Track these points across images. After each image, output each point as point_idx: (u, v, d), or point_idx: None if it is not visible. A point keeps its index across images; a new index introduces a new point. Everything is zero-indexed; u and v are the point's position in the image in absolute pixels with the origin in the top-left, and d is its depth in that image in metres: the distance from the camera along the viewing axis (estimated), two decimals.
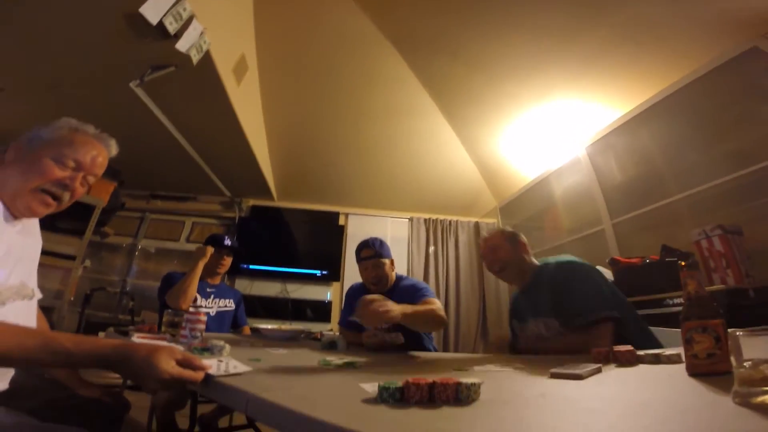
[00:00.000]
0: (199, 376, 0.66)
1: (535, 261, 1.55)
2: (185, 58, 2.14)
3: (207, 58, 2.25)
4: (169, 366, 0.63)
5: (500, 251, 1.53)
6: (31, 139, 0.88)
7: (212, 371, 0.69)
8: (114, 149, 1.01)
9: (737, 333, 0.55)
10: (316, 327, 1.44)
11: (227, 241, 2.18)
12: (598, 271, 1.48)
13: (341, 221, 4.28)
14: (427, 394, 0.53)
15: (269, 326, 1.90)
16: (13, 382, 0.90)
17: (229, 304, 2.18)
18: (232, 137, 3.12)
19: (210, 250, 2.04)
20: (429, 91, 3.38)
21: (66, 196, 0.90)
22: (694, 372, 0.72)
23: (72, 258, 3.05)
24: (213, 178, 3.79)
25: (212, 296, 2.12)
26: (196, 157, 3.39)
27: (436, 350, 1.87)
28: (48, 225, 2.96)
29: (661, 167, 2.48)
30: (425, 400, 0.53)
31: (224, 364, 0.74)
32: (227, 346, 0.95)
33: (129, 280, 3.92)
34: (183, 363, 0.65)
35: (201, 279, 1.99)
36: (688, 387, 0.66)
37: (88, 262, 3.48)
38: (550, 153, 3.32)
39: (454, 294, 4.11)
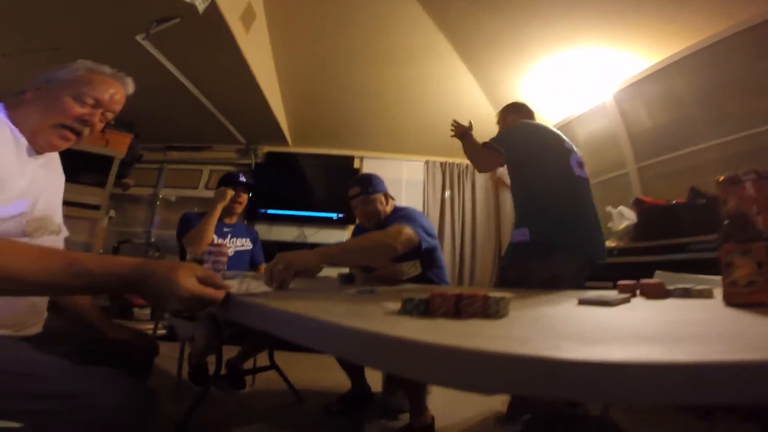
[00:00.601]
0: (221, 294, 0.64)
1: None
2: (190, 8, 2.09)
3: (213, 7, 2.19)
4: (189, 283, 0.61)
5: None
6: (49, 80, 0.90)
7: (233, 291, 0.68)
8: (131, 87, 1.03)
9: None
10: (333, 271, 1.45)
11: (242, 178, 2.18)
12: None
13: (356, 165, 4.25)
14: (454, 307, 0.51)
15: None
16: (45, 326, 0.94)
17: (246, 244, 2.20)
18: (244, 85, 3.07)
19: (230, 193, 2.04)
20: (445, 33, 3.19)
21: (86, 131, 0.93)
22: (732, 301, 0.67)
23: (96, 207, 3.12)
24: (227, 126, 3.77)
25: (229, 236, 2.12)
26: (209, 106, 3.37)
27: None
28: (70, 178, 3.09)
29: (695, 114, 2.35)
30: (451, 313, 0.51)
31: (245, 285, 0.74)
32: (249, 275, 0.95)
33: (153, 231, 4.04)
34: (204, 281, 0.63)
35: (218, 219, 2.01)
36: (728, 313, 0.61)
37: (112, 212, 3.58)
38: (574, 98, 3.17)
39: (469, 240, 4.11)
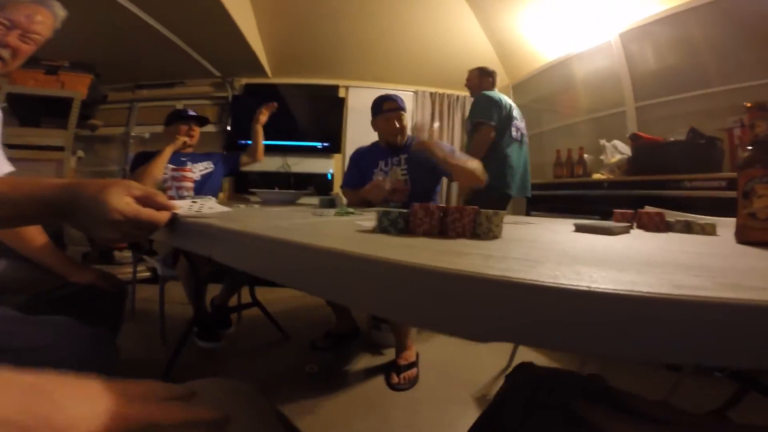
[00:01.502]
0: (163, 217, 0.52)
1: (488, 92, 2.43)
2: None
3: None
4: (122, 203, 0.48)
5: (470, 81, 2.58)
6: None
7: (181, 212, 0.55)
8: (59, 9, 0.97)
9: None
10: (316, 199, 1.37)
11: (191, 112, 2.11)
12: None
13: (341, 94, 4.04)
14: (438, 223, 0.42)
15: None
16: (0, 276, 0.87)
17: (208, 167, 2.12)
18: (214, 15, 2.78)
19: (182, 139, 1.99)
20: None
21: (5, 53, 0.89)
22: (745, 237, 0.58)
23: (60, 149, 2.99)
24: (199, 59, 3.47)
25: (188, 163, 2.03)
26: (177, 41, 3.09)
27: None
28: (32, 122, 2.91)
29: (707, 61, 2.23)
30: (435, 231, 0.42)
31: (198, 205, 0.62)
32: (212, 199, 0.85)
33: (128, 167, 3.86)
34: (144, 201, 0.51)
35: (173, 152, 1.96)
36: (742, 249, 0.51)
37: (81, 153, 3.43)
38: (575, 36, 2.98)
39: None
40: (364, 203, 1.70)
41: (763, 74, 1.95)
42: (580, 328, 0.21)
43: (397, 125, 1.83)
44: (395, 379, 1.58)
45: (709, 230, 0.79)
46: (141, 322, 2.21)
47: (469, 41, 3.56)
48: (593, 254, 0.37)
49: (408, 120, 1.92)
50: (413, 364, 1.66)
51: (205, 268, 1.69)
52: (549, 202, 2.69)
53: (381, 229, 0.43)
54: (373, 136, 2.01)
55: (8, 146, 2.82)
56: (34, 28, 0.92)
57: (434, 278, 0.24)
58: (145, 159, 1.92)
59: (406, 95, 3.92)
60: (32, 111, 2.95)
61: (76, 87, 3.12)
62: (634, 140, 2.23)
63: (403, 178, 1.80)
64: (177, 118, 2.09)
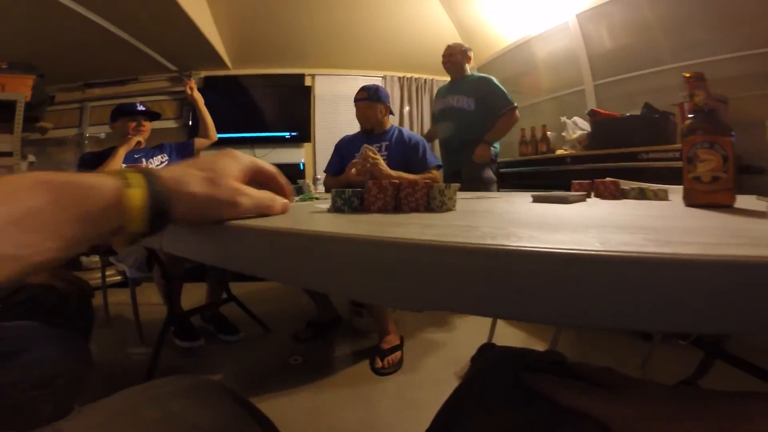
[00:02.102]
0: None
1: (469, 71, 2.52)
2: None
3: None
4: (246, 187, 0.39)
5: (453, 57, 2.48)
6: None
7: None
8: None
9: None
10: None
11: (140, 107, 1.99)
12: None
13: (308, 82, 3.95)
14: (392, 200, 0.43)
15: None
16: None
17: (163, 159, 2.04)
18: (164, 7, 2.64)
19: (136, 139, 1.90)
20: None
21: None
22: (692, 201, 0.62)
23: (9, 154, 2.82)
24: (153, 55, 3.30)
25: (142, 160, 1.96)
26: (125, 36, 2.94)
27: None
28: None
29: (659, 40, 2.34)
30: (390, 208, 0.43)
31: None
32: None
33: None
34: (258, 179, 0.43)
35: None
36: (691, 212, 0.52)
37: (32, 157, 3.24)
38: (535, 17, 3.03)
39: None
40: (347, 187, 1.70)
41: (711, 51, 2.06)
42: (504, 289, 0.21)
43: (365, 115, 1.98)
44: (379, 363, 1.60)
45: (662, 196, 0.83)
46: (117, 327, 2.15)
47: (433, 24, 3.56)
48: (537, 220, 0.38)
49: (381, 108, 2.00)
50: (397, 347, 1.68)
51: (179, 267, 1.65)
52: (516, 178, 2.77)
53: (335, 208, 0.43)
54: (342, 124, 2.15)
55: None
56: None
57: (364, 247, 0.24)
58: (93, 161, 1.82)
59: (374, 80, 3.90)
60: None
61: (18, 88, 2.92)
62: (593, 116, 2.31)
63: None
64: (122, 113, 1.96)
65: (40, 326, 0.69)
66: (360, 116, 2.01)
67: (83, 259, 3.05)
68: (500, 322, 1.79)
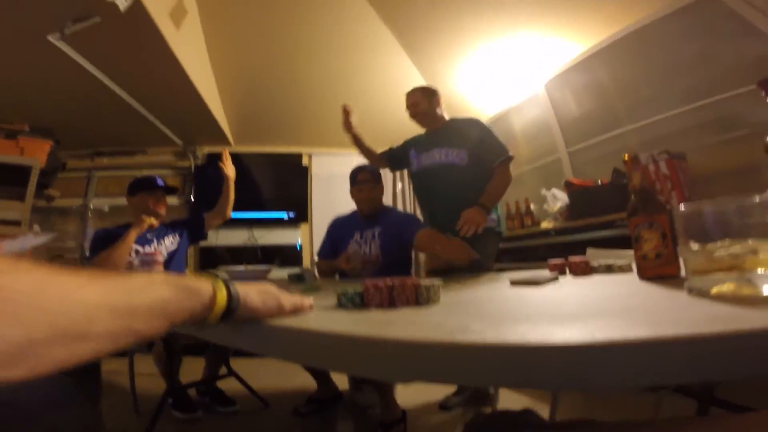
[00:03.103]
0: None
1: (446, 115, 2.03)
2: (111, 6, 1.95)
3: (138, 4, 2.05)
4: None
5: (419, 106, 1.99)
6: None
7: None
8: None
9: (681, 206, 0.50)
10: (286, 272, 1.43)
11: (159, 181, 1.97)
12: None
13: (305, 162, 4.16)
14: (387, 297, 0.53)
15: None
16: None
17: (174, 240, 2.02)
18: (178, 84, 2.90)
19: (149, 221, 1.86)
20: (389, 25, 3.21)
21: None
22: (644, 275, 0.72)
23: (17, 223, 2.82)
24: (161, 128, 3.54)
25: (154, 241, 1.93)
26: (139, 108, 3.15)
27: None
28: None
29: (616, 101, 2.57)
30: (386, 304, 0.52)
31: None
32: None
33: (86, 245, 3.72)
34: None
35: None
36: (642, 287, 0.65)
37: (37, 227, 3.27)
38: (511, 89, 3.32)
39: None
40: (338, 272, 1.77)
41: (662, 107, 2.25)
42: (452, 367, 0.31)
43: (369, 196, 1.92)
44: None
45: (626, 269, 0.95)
46: (111, 396, 2.09)
47: None
48: (503, 308, 0.48)
49: (382, 190, 1.99)
50: (400, 421, 1.65)
51: (180, 340, 1.67)
52: (507, 253, 2.78)
53: (340, 305, 0.52)
54: (339, 204, 2.14)
55: None
56: None
57: (368, 343, 0.34)
58: (106, 239, 1.80)
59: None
60: None
61: (35, 153, 2.93)
62: (568, 187, 2.47)
63: (376, 253, 1.85)
64: (141, 187, 1.93)
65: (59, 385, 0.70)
66: (363, 199, 1.92)
67: None
68: (503, 390, 1.81)
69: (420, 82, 3.71)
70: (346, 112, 2.06)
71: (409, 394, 2.07)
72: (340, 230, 2.02)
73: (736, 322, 0.30)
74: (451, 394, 1.86)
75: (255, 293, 0.49)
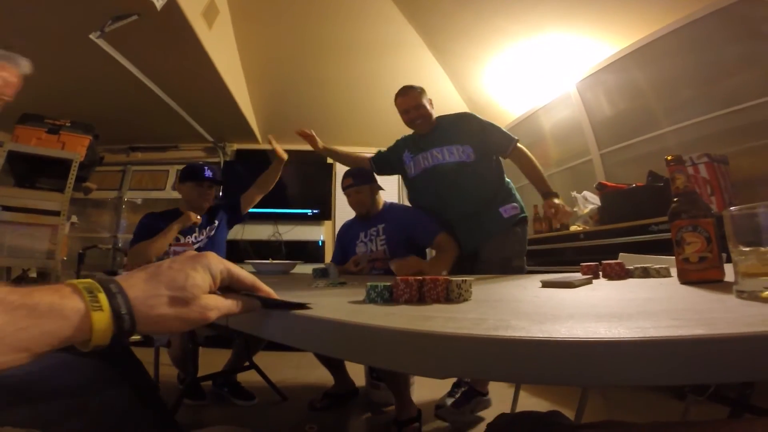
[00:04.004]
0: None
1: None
2: (148, 5, 2.04)
3: (173, 3, 2.14)
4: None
5: (423, 109, 1.86)
6: None
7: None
8: (26, 67, 0.97)
9: (731, 208, 0.48)
10: (309, 267, 1.44)
11: (208, 173, 1.96)
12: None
13: (329, 160, 4.18)
14: (417, 292, 0.51)
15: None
16: None
17: (210, 233, 2.03)
18: (210, 82, 3.00)
19: (193, 220, 1.89)
20: (415, 25, 3.22)
21: None
22: (686, 279, 0.68)
23: (56, 213, 2.96)
24: (193, 124, 3.67)
25: (195, 231, 1.96)
26: (173, 105, 3.27)
27: None
28: (27, 183, 2.93)
29: (652, 102, 2.47)
30: (415, 300, 0.51)
31: None
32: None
33: (119, 235, 3.89)
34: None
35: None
36: (685, 290, 0.62)
37: (75, 218, 3.44)
38: (540, 89, 3.26)
39: None
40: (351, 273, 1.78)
41: (703, 109, 2.15)
42: (507, 365, 0.30)
43: (355, 199, 1.91)
44: None
45: (664, 273, 0.90)
46: None
47: (444, 103, 3.84)
48: (539, 308, 0.46)
49: (369, 190, 1.93)
50: (414, 419, 1.65)
51: (203, 331, 1.71)
52: (534, 256, 2.64)
53: (369, 300, 0.51)
54: None
55: (3, 208, 2.77)
56: (6, 91, 0.93)
57: (404, 336, 0.33)
58: (150, 228, 1.83)
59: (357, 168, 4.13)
60: (30, 171, 2.89)
61: (76, 148, 3.06)
62: (601, 189, 2.39)
63: (382, 248, 1.85)
64: (190, 177, 1.93)
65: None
66: (353, 204, 1.93)
67: None
68: (523, 394, 1.76)
69: (446, 82, 3.70)
70: (307, 135, 2.05)
71: (425, 394, 2.06)
72: (347, 235, 2.03)
73: None
74: (445, 394, 1.83)
75: (168, 305, 0.36)
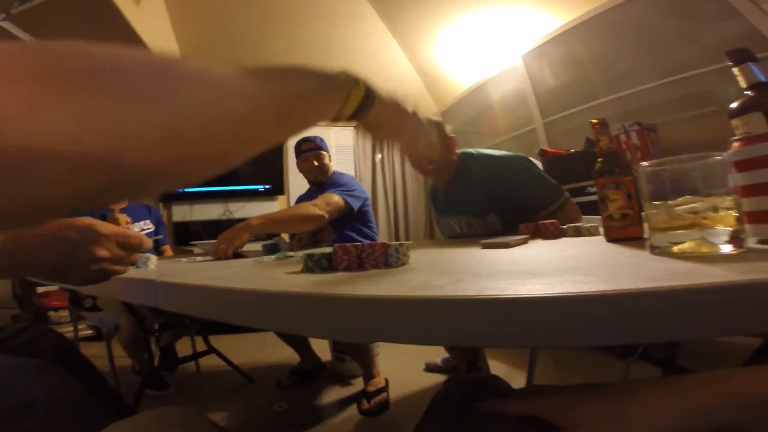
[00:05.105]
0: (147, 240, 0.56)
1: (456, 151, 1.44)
2: None
3: None
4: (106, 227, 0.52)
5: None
6: None
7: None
8: None
9: (642, 165, 0.49)
10: (260, 244, 1.40)
11: None
12: (526, 157, 1.45)
13: None
14: (356, 259, 0.52)
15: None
16: None
17: (147, 225, 1.99)
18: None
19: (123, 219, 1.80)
20: None
21: None
22: (610, 237, 0.73)
23: None
24: None
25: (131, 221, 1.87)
26: None
27: None
28: None
29: (592, 74, 2.60)
30: (354, 267, 0.52)
31: (142, 262, 0.67)
32: (153, 257, 0.88)
33: None
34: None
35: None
36: (607, 247, 0.65)
37: None
38: (489, 60, 3.31)
39: (401, 200, 4.22)
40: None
41: (639, 81, 2.30)
42: (406, 325, 0.31)
43: (315, 163, 1.89)
44: (366, 405, 1.59)
45: (594, 231, 0.97)
46: None
47: (398, 73, 3.82)
48: (471, 268, 0.49)
49: (329, 158, 1.94)
50: (382, 389, 1.68)
51: (152, 320, 1.65)
52: None
53: (306, 269, 0.51)
54: None
55: None
56: None
57: (330, 301, 0.34)
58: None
59: (345, 130, 4.05)
60: None
61: None
62: (543, 156, 2.52)
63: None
64: None
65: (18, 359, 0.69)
66: (311, 167, 1.90)
67: (51, 314, 2.96)
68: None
69: (398, 52, 3.65)
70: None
71: (392, 363, 2.14)
72: None
73: (694, 278, 0.30)
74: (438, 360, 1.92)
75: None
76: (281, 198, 3.94)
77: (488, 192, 1.35)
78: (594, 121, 0.81)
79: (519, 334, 0.28)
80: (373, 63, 3.69)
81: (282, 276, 0.50)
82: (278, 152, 3.97)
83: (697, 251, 0.44)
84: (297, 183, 3.85)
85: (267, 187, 3.85)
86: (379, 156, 4.19)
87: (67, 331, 2.31)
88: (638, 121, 2.12)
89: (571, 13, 2.59)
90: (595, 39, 2.52)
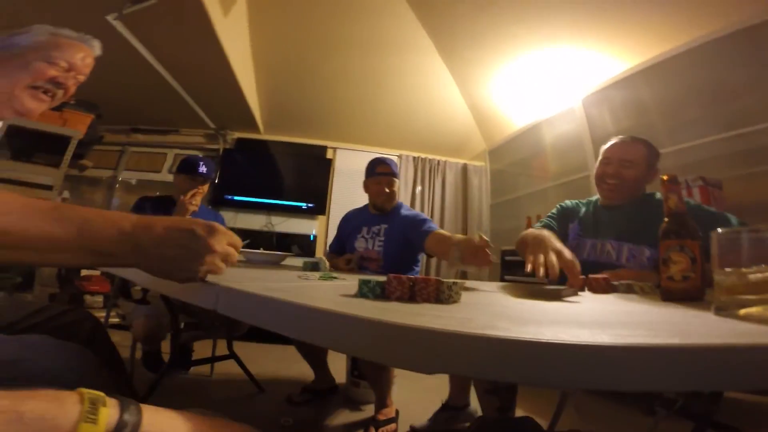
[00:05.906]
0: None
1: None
2: None
3: None
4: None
5: (632, 170, 1.38)
6: (6, 46, 0.86)
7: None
8: (98, 49, 1.02)
9: (717, 231, 0.50)
10: (299, 261, 1.45)
11: (202, 168, 1.99)
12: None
13: (329, 155, 4.20)
14: (408, 291, 0.52)
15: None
16: None
17: None
18: (218, 70, 2.99)
19: (192, 208, 1.93)
20: (426, 26, 3.21)
21: (59, 93, 0.92)
22: (668, 296, 0.71)
23: (49, 188, 2.97)
24: (197, 110, 3.65)
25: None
26: (179, 89, 3.27)
27: None
28: (24, 157, 2.91)
29: (655, 122, 2.48)
30: (405, 298, 0.52)
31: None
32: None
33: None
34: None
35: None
36: (665, 306, 0.64)
37: (66, 194, 3.43)
38: (545, 101, 3.26)
39: None
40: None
41: (704, 131, 2.16)
42: (489, 363, 0.31)
43: (387, 190, 1.87)
44: None
45: (647, 290, 0.92)
46: None
47: (449, 108, 3.88)
48: (525, 313, 0.48)
49: (398, 186, 1.94)
50: (392, 420, 1.66)
51: (182, 318, 1.73)
52: (522, 267, 2.69)
53: (361, 294, 0.52)
54: (358, 199, 2.10)
55: None
56: (85, 71, 0.97)
57: (395, 330, 0.34)
58: (148, 208, 1.92)
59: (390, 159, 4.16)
60: (27, 145, 2.92)
61: (77, 126, 3.11)
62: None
63: (378, 250, 1.85)
64: (185, 170, 1.99)
65: (53, 340, 0.72)
66: (381, 192, 1.87)
67: (87, 297, 3.12)
68: None
69: (452, 86, 3.71)
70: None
71: (407, 396, 2.08)
72: (349, 225, 2.03)
73: (763, 338, 0.33)
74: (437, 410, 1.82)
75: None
76: (321, 218, 4.04)
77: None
78: (665, 177, 0.78)
79: (596, 378, 0.30)
80: (425, 95, 3.78)
81: (339, 298, 0.51)
82: (325, 174, 4.09)
83: (765, 316, 0.44)
84: (339, 204, 3.97)
85: (310, 205, 3.97)
86: (419, 188, 4.21)
87: (99, 316, 2.44)
88: (702, 176, 1.99)
89: (636, 57, 2.52)
90: (660, 84, 2.41)
